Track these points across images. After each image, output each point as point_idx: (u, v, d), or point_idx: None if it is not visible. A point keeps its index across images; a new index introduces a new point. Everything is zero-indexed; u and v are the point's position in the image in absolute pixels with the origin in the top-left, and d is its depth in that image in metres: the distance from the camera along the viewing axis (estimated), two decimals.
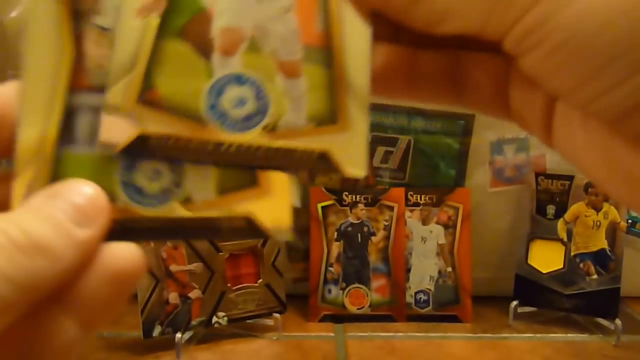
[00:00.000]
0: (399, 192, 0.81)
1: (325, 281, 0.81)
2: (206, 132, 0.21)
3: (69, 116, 0.21)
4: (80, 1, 0.21)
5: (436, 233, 0.81)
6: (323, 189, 0.79)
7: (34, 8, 0.21)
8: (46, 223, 0.18)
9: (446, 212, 0.81)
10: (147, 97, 0.21)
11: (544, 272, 0.80)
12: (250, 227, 0.21)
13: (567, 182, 0.80)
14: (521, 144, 0.83)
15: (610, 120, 0.19)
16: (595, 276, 0.78)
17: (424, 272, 0.81)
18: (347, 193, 0.80)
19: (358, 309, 0.81)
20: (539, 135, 0.23)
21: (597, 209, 0.79)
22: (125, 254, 0.19)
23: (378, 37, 0.23)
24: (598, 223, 0.78)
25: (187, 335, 0.73)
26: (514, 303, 0.80)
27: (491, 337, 0.78)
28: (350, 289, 0.81)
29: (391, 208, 0.81)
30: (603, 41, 0.18)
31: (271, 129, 0.22)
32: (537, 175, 0.81)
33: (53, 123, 0.21)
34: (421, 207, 0.81)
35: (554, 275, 0.80)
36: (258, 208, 0.21)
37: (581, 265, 0.79)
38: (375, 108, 0.81)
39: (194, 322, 0.73)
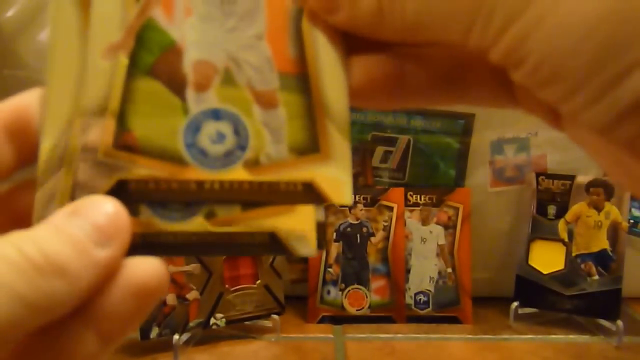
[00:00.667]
0: (399, 192, 0.80)
1: (324, 282, 0.80)
2: (187, 171, 0.21)
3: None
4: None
5: (436, 233, 0.81)
6: None
7: (56, 15, 0.21)
8: (66, 243, 0.18)
9: (446, 212, 0.81)
10: (123, 141, 0.21)
11: (545, 272, 0.79)
12: (273, 243, 0.21)
13: (568, 182, 0.79)
14: (522, 144, 0.82)
15: (599, 130, 0.19)
16: (596, 277, 0.78)
17: (424, 273, 0.81)
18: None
19: (357, 310, 0.80)
20: (548, 121, 0.23)
21: (599, 209, 0.78)
22: (147, 268, 0.19)
23: (357, 50, 0.22)
24: (599, 223, 0.78)
25: (185, 336, 0.73)
26: (515, 304, 0.80)
27: (491, 338, 0.77)
28: (349, 290, 0.80)
29: (390, 208, 0.80)
30: (574, 62, 0.18)
31: (253, 164, 0.21)
32: (537, 175, 0.81)
33: (75, 134, 0.20)
34: (421, 207, 0.81)
35: (555, 276, 0.79)
36: (282, 224, 0.21)
37: (582, 265, 0.78)
38: None
39: (191, 324, 0.73)
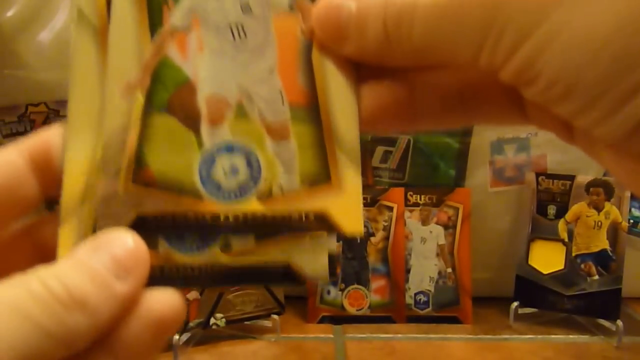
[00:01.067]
0: (399, 192, 0.80)
1: None
2: (202, 205, 0.21)
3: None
4: None
5: (436, 233, 0.81)
6: None
7: (76, 52, 0.22)
8: (87, 278, 0.18)
9: (446, 212, 0.81)
10: (141, 177, 0.21)
11: (545, 272, 0.79)
12: (288, 274, 0.22)
13: (568, 182, 0.79)
14: (522, 144, 0.82)
15: (613, 143, 0.19)
16: (596, 277, 0.78)
17: (424, 272, 0.81)
18: None
19: (357, 310, 0.80)
20: (561, 136, 0.23)
21: (599, 209, 0.78)
22: (165, 300, 0.20)
23: (367, 77, 0.23)
24: (599, 223, 0.78)
25: (185, 337, 0.73)
26: (515, 304, 0.80)
27: (491, 338, 0.77)
28: (349, 290, 0.80)
29: (390, 208, 0.80)
30: (590, 76, 0.18)
31: (266, 195, 0.22)
32: (537, 175, 0.81)
33: (96, 170, 0.21)
34: (421, 207, 0.81)
35: (555, 276, 0.79)
36: (296, 254, 0.22)
37: (582, 265, 0.78)
38: None
39: (191, 324, 0.73)
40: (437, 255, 0.81)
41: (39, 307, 0.17)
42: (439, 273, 0.81)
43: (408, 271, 0.81)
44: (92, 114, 0.21)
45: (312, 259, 0.22)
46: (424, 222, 0.81)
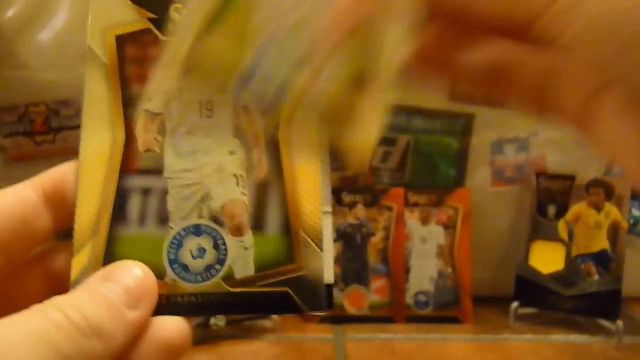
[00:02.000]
0: (399, 192, 0.80)
1: None
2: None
3: (120, 198, 0.23)
4: (130, 88, 0.23)
5: (436, 233, 0.81)
6: None
7: (88, 97, 0.23)
8: (101, 306, 0.20)
9: (446, 212, 0.81)
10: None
11: (545, 272, 0.79)
12: (287, 303, 0.23)
13: (568, 182, 0.79)
14: (522, 144, 0.82)
15: None
16: (596, 277, 0.78)
17: (424, 272, 0.81)
18: (346, 193, 0.80)
19: (357, 310, 0.80)
20: (576, 124, 0.22)
21: (599, 209, 0.78)
22: (172, 327, 0.21)
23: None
24: (599, 223, 0.78)
25: None
26: (515, 304, 0.80)
27: (491, 338, 0.77)
28: (349, 290, 0.80)
29: (390, 208, 0.80)
30: (630, 26, 0.17)
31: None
32: (537, 175, 0.81)
33: (107, 205, 0.23)
34: (421, 207, 0.81)
35: (555, 276, 0.79)
36: (294, 285, 0.23)
37: (582, 265, 0.78)
38: None
39: (191, 324, 0.73)
40: (437, 255, 0.81)
41: (61, 335, 0.18)
42: (439, 273, 0.81)
43: (408, 271, 0.81)
44: (104, 149, 0.23)
45: (310, 291, 0.23)
46: (424, 222, 0.81)
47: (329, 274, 0.23)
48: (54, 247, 0.24)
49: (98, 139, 0.23)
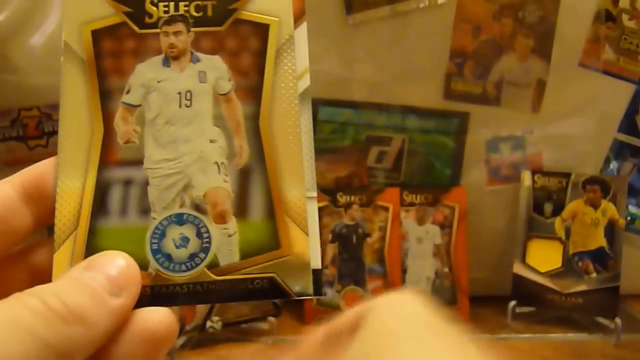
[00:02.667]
0: (394, 192, 0.80)
1: None
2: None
3: (101, 190, 0.23)
4: (108, 81, 0.23)
5: (432, 233, 0.80)
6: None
7: (65, 92, 0.23)
8: (83, 293, 0.20)
9: (442, 211, 0.80)
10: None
11: (542, 271, 0.79)
12: (273, 289, 0.22)
13: (565, 180, 0.79)
14: (517, 142, 0.82)
15: None
16: (594, 275, 0.77)
17: (421, 273, 0.81)
18: (341, 194, 0.79)
19: None
20: None
21: (595, 207, 0.78)
22: (157, 317, 0.21)
23: None
24: (596, 221, 0.78)
25: (181, 340, 0.72)
26: (512, 303, 0.79)
27: (489, 337, 0.77)
28: (346, 291, 0.80)
29: (386, 208, 0.80)
30: None
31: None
32: (533, 173, 0.80)
33: (87, 198, 0.23)
34: (417, 207, 0.80)
35: (553, 274, 0.79)
36: (280, 270, 0.23)
37: (580, 264, 0.78)
38: (368, 107, 0.80)
39: (188, 327, 0.73)
40: (434, 255, 0.80)
41: (38, 321, 0.18)
42: (436, 273, 0.80)
43: (405, 271, 0.80)
44: (83, 143, 0.23)
45: (296, 275, 0.22)
46: (420, 221, 0.80)
47: (315, 259, 0.23)
48: (37, 243, 0.24)
49: (77, 132, 0.23)
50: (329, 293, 0.80)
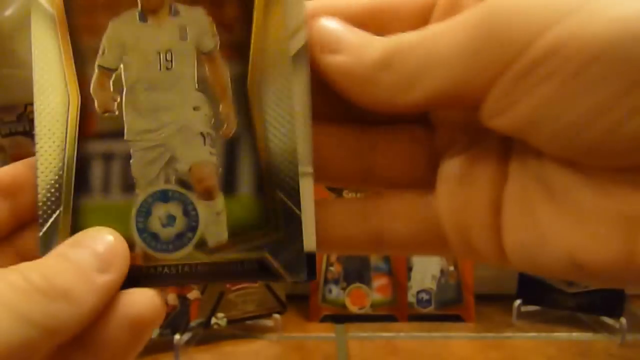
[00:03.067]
0: None
1: (326, 281, 0.80)
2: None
3: (81, 165, 0.21)
4: (81, 41, 0.21)
5: None
6: (324, 186, 0.78)
7: (37, 56, 0.21)
8: (68, 270, 0.19)
9: None
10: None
11: None
12: (263, 270, 0.21)
13: None
14: None
15: (636, 146, 0.16)
16: None
17: (426, 271, 0.80)
18: (347, 191, 0.79)
19: (359, 308, 0.80)
20: (485, 251, 0.20)
21: None
22: (143, 300, 0.20)
23: (327, 118, 0.22)
24: None
25: (186, 336, 0.72)
26: (518, 302, 0.79)
27: (494, 336, 0.77)
28: (351, 289, 0.80)
29: None
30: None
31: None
32: None
33: (68, 175, 0.21)
34: None
35: None
36: (271, 250, 0.21)
37: None
38: None
39: (192, 324, 0.73)
40: None
41: (19, 297, 0.18)
42: (441, 271, 0.80)
43: (410, 269, 0.80)
44: (60, 113, 0.21)
45: (288, 257, 0.21)
46: None
47: (309, 241, 0.21)
48: (24, 227, 0.23)
49: (53, 101, 0.21)
50: (334, 290, 0.80)
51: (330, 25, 0.21)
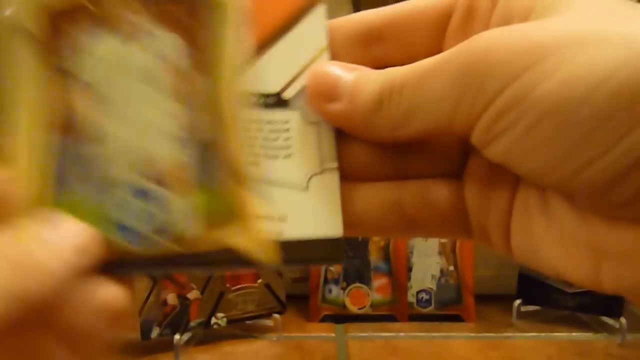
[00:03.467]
0: None
1: (326, 281, 0.80)
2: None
3: (60, 164, 0.22)
4: (62, 59, 0.23)
5: None
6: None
7: (16, 69, 0.22)
8: (39, 242, 0.20)
9: None
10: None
11: None
12: (239, 259, 0.23)
13: None
14: None
15: (594, 192, 0.18)
16: None
17: (426, 270, 0.80)
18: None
19: (359, 308, 0.80)
20: (499, 245, 0.22)
21: None
22: (113, 289, 0.21)
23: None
24: None
25: (186, 336, 0.73)
26: (518, 302, 0.79)
27: (494, 336, 0.77)
28: (351, 289, 0.80)
29: None
30: (589, 109, 0.17)
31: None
32: None
33: (46, 173, 0.22)
34: None
35: None
36: (244, 240, 0.23)
37: None
38: None
39: (192, 323, 0.73)
40: (439, 253, 0.80)
41: None
42: (441, 271, 0.80)
43: (410, 269, 0.80)
44: (41, 121, 0.22)
45: (260, 244, 0.23)
46: None
47: (336, 227, 0.23)
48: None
49: (33, 110, 0.22)
50: (334, 290, 0.80)
51: (326, 71, 0.22)
